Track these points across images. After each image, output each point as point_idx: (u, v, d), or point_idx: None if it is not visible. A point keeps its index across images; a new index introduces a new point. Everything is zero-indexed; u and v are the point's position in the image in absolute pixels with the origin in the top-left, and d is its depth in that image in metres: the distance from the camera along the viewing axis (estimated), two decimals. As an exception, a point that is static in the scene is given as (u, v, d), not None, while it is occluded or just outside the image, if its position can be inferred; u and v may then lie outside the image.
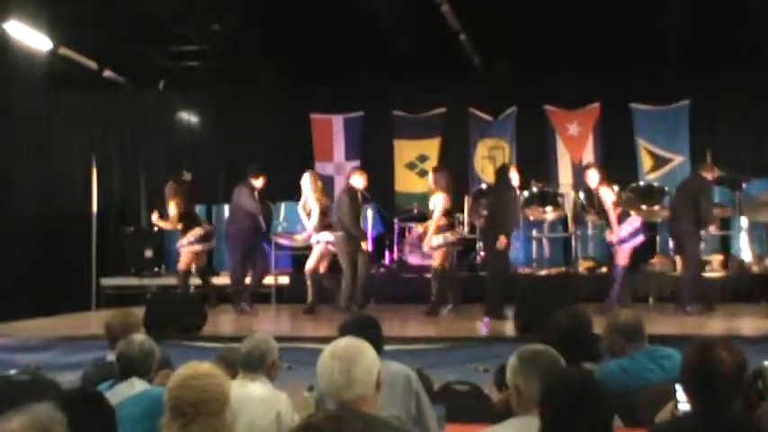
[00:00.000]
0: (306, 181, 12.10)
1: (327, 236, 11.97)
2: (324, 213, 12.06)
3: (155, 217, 12.79)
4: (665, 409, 4.17)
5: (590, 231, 14.29)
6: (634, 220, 11.24)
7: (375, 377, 3.73)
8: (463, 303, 11.77)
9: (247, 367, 5.07)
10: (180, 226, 12.58)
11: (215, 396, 3.72)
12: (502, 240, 10.91)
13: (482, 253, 14.04)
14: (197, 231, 12.58)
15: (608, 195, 11.27)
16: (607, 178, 11.40)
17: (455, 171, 12.53)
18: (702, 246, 11.87)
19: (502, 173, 11.61)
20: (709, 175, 11.61)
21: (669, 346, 5.49)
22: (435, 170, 12.28)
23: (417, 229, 13.30)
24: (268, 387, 5.05)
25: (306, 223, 12.21)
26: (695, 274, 11.20)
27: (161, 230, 15.02)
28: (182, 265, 12.66)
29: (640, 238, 11.25)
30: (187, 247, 12.58)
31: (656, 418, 4.18)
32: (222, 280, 14.48)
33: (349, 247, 11.74)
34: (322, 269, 12.26)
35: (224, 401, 3.76)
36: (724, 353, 3.54)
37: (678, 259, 12.25)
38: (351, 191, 11.91)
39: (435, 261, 11.56)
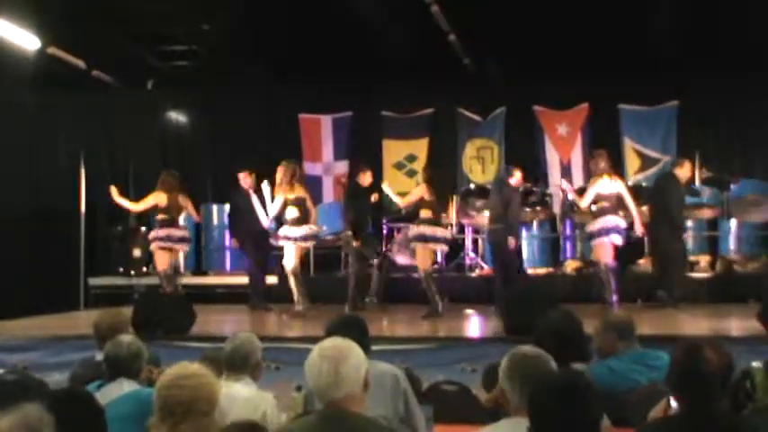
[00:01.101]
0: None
1: (297, 231, 11.79)
2: (298, 207, 11.69)
3: (114, 192, 12.24)
4: (658, 408, 4.18)
5: (578, 231, 14.31)
6: (610, 219, 11.18)
7: (363, 376, 3.73)
8: (450, 303, 11.76)
9: (231, 367, 5.07)
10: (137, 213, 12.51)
11: (206, 396, 3.72)
12: (511, 241, 11.18)
13: (470, 254, 14.14)
14: (173, 231, 12.31)
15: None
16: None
17: (443, 171, 12.52)
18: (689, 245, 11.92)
19: (500, 172, 11.74)
20: (681, 173, 11.63)
21: (657, 347, 5.52)
22: (425, 169, 12.41)
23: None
24: (252, 387, 5.06)
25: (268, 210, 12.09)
26: (675, 272, 11.34)
27: (149, 230, 15.02)
28: (162, 265, 12.34)
29: (616, 237, 11.18)
30: (159, 243, 12.29)
31: (649, 416, 4.19)
32: (211, 280, 14.53)
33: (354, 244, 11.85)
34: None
35: (214, 401, 3.75)
36: (711, 353, 3.56)
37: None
38: (356, 188, 12.02)
39: (420, 262, 11.40)
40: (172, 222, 12.25)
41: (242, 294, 13.08)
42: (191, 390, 3.69)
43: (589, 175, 13.26)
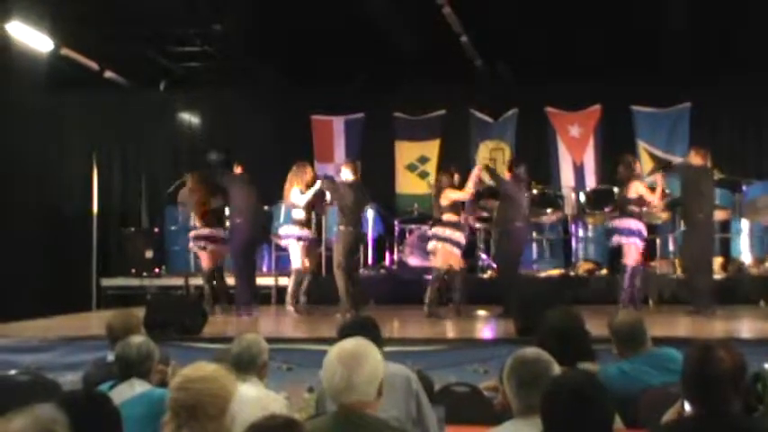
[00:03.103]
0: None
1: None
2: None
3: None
4: (672, 410, 4.17)
5: (590, 233, 14.29)
6: (631, 222, 11.23)
7: (376, 386, 3.72)
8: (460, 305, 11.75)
9: (239, 368, 5.06)
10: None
11: (211, 401, 3.67)
12: None
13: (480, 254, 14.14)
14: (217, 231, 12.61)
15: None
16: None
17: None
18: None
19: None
20: (694, 161, 11.53)
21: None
22: (440, 171, 12.44)
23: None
24: (260, 387, 5.07)
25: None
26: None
27: (161, 231, 15.09)
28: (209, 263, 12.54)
29: (637, 240, 11.23)
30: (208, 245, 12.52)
31: (663, 419, 4.18)
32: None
33: None
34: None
35: (222, 406, 3.70)
36: (724, 355, 3.54)
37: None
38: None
39: (441, 261, 11.46)
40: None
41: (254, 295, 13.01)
42: (195, 393, 3.66)
43: (602, 176, 13.35)
